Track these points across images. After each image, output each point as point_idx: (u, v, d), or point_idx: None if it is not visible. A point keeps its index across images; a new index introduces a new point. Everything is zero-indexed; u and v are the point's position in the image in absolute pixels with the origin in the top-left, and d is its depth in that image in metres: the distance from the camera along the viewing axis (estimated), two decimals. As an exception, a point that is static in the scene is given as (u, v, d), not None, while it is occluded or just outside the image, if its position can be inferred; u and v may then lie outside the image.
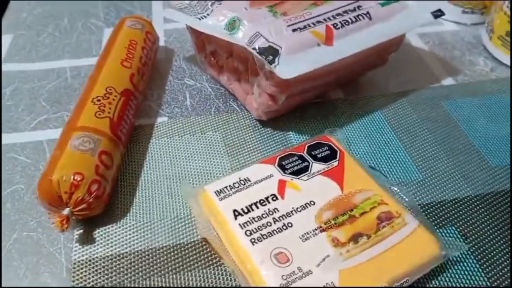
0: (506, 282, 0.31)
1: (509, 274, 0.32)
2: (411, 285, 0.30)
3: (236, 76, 0.43)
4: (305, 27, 0.38)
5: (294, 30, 0.38)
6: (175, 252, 0.33)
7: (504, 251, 0.33)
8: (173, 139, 0.41)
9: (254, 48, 0.37)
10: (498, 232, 0.34)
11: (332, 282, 0.28)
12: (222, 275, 0.31)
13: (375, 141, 0.41)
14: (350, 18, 0.40)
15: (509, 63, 0.50)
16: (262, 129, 0.42)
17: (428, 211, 0.36)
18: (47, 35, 0.54)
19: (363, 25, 0.40)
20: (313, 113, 0.44)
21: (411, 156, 0.40)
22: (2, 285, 0.26)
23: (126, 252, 0.32)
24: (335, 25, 0.39)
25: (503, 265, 0.32)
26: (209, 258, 0.32)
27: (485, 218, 0.35)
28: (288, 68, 0.36)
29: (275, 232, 0.31)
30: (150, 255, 0.32)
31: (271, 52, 0.36)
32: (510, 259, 0.32)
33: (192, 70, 0.50)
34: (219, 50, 0.43)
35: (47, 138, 0.41)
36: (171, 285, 0.31)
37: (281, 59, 0.36)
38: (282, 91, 0.37)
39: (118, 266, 0.32)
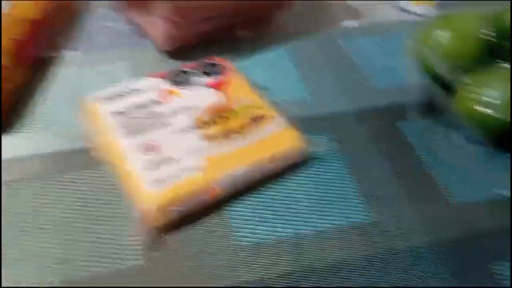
0: (369, 181, 0.34)
1: (377, 176, 0.35)
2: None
3: (142, 9, 0.45)
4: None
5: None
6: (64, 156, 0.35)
7: (369, 154, 0.36)
8: (83, 69, 0.43)
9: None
10: (370, 142, 0.37)
11: (197, 166, 0.31)
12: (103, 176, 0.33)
13: (273, 70, 0.44)
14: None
15: (412, 9, 0.53)
16: (169, 61, 0.45)
17: (309, 122, 0.39)
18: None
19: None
20: (218, 47, 0.46)
21: (303, 81, 0.43)
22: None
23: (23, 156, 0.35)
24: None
25: (367, 167, 0.35)
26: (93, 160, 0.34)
27: (359, 129, 0.38)
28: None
29: (150, 128, 0.33)
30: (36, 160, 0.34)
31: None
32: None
33: (112, 13, 0.52)
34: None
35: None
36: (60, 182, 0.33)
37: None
38: (181, 15, 0.40)
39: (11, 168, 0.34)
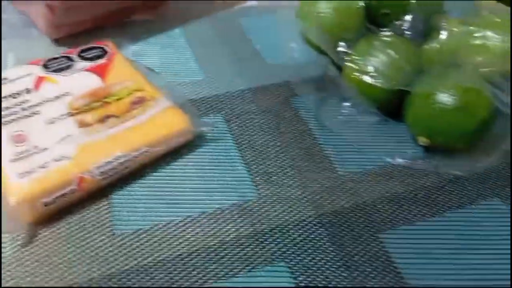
0: (259, 157, 0.34)
1: (266, 152, 0.34)
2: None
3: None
4: None
5: None
6: None
7: (260, 130, 0.36)
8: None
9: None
10: (263, 120, 0.37)
11: (66, 155, 0.29)
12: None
13: (169, 52, 0.43)
14: None
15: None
16: (57, 49, 0.42)
17: (201, 103, 0.37)
18: None
19: None
20: (111, 32, 0.44)
21: (198, 62, 0.42)
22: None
23: None
24: None
25: (258, 144, 0.35)
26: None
27: (252, 106, 0.38)
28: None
29: (19, 118, 0.31)
30: None
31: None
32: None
33: (3, 5, 0.49)
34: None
35: None
36: None
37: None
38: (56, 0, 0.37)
39: None
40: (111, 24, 0.45)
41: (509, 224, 0.30)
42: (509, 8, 0.34)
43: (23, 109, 0.32)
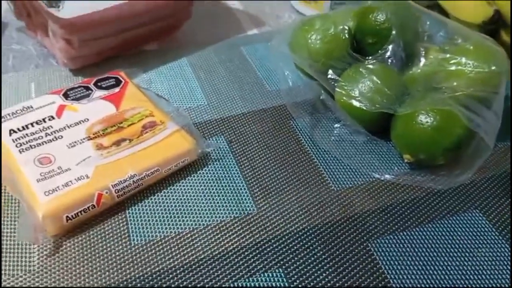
0: (258, 175, 0.37)
1: (265, 169, 0.37)
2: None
3: (45, 31, 0.47)
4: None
5: (84, -17, 0.43)
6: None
7: (259, 150, 0.39)
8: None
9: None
10: (262, 140, 0.40)
11: (86, 175, 0.33)
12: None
13: (176, 80, 0.47)
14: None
15: (307, 13, 0.57)
16: (74, 78, 0.46)
17: (205, 126, 0.41)
18: None
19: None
20: (124, 61, 0.49)
21: (203, 88, 0.46)
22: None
23: None
24: (121, -24, 0.44)
25: (257, 162, 0.38)
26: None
27: (251, 128, 0.41)
28: (71, 10, 0.40)
29: (44, 143, 0.35)
30: None
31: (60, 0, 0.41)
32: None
33: (21, 37, 0.53)
34: (30, 10, 0.47)
35: None
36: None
37: (66, 4, 0.41)
38: (71, 33, 0.42)
39: None
40: (124, 54, 0.49)
41: (486, 233, 0.34)
42: (480, 36, 0.38)
43: (47, 134, 0.35)
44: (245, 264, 0.31)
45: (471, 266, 0.31)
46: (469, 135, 0.34)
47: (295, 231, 0.33)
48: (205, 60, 0.50)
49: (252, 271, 0.31)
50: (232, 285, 0.30)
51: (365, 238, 0.33)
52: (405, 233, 0.33)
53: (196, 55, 0.50)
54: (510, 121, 0.40)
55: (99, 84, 0.40)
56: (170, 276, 0.30)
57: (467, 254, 0.32)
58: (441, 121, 0.34)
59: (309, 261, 0.31)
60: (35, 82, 0.46)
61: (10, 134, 0.35)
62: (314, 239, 0.33)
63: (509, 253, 0.32)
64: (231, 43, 0.53)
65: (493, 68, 0.35)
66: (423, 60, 0.38)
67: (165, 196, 0.35)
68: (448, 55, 0.37)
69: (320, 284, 0.30)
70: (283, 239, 0.33)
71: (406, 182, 0.37)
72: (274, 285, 0.30)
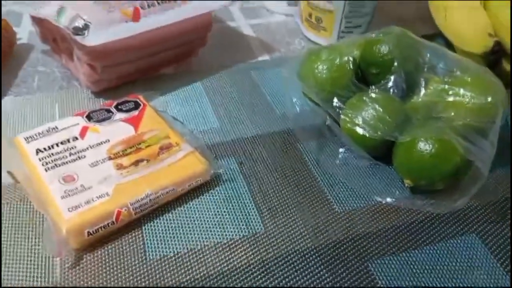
0: (267, 195, 0.39)
1: (272, 190, 0.40)
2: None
3: (70, 55, 0.50)
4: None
5: (109, 12, 0.46)
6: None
7: (267, 172, 0.41)
8: (15, 111, 0.47)
9: (70, 27, 0.44)
10: (270, 162, 0.43)
11: (106, 193, 0.35)
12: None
13: (190, 103, 0.50)
14: (157, 1, 0.48)
15: (316, 40, 0.60)
16: (96, 100, 0.50)
17: (217, 147, 0.44)
18: None
19: (168, 7, 0.48)
20: (142, 85, 0.52)
21: (215, 112, 0.48)
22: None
23: None
24: (142, 6, 0.47)
25: (266, 184, 0.41)
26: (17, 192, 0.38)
27: (261, 151, 0.44)
28: (95, 38, 0.44)
29: (68, 162, 0.37)
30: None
31: (84, 28, 0.44)
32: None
33: (46, 60, 0.57)
34: (56, 35, 0.51)
35: None
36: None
37: (91, 32, 0.44)
38: (95, 59, 0.45)
39: None
40: (142, 77, 0.52)
41: (482, 257, 0.35)
42: (478, 67, 0.40)
43: (71, 154, 0.38)
44: (252, 281, 0.33)
45: (468, 286, 0.33)
46: (466, 163, 0.36)
47: (299, 250, 0.35)
48: (218, 84, 0.53)
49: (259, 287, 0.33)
50: (239, 300, 0.32)
51: (365, 258, 0.35)
52: (404, 255, 0.35)
53: (210, 80, 0.53)
54: (510, 148, 0.42)
55: (119, 107, 0.43)
56: (182, 289, 0.32)
57: (463, 277, 0.34)
58: (439, 149, 0.36)
59: (312, 279, 0.33)
60: (59, 103, 0.49)
61: (37, 153, 0.38)
62: (318, 258, 0.35)
63: (504, 277, 0.34)
64: (243, 68, 0.55)
65: (490, 99, 0.37)
66: (423, 90, 0.41)
67: (179, 214, 0.37)
68: (447, 86, 0.39)
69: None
70: (288, 257, 0.35)
71: (406, 206, 0.39)
72: (279, 300, 0.32)
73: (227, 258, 0.34)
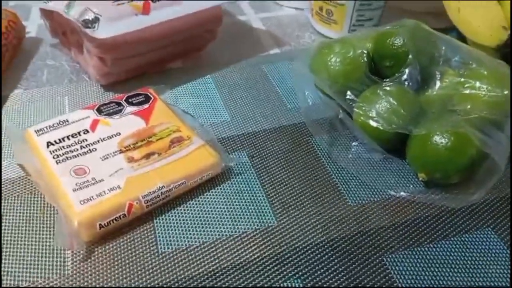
0: (279, 189, 0.39)
1: (285, 184, 0.39)
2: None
3: (79, 48, 0.50)
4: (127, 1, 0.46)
5: (118, 5, 0.46)
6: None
7: (279, 165, 0.41)
8: (25, 105, 0.47)
9: (80, 20, 0.44)
10: (282, 156, 0.42)
11: (118, 186, 0.35)
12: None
13: (200, 97, 0.49)
14: (167, -6, 0.48)
15: (327, 34, 0.59)
16: (105, 93, 0.49)
17: (228, 141, 0.43)
18: None
19: (178, 0, 0.48)
20: (151, 79, 0.51)
21: (226, 105, 0.48)
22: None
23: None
24: (153, -1, 0.47)
25: (277, 177, 0.40)
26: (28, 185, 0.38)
27: (272, 144, 0.43)
28: (105, 31, 0.43)
29: (79, 155, 0.37)
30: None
31: (94, 21, 0.44)
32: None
33: (55, 53, 0.56)
34: (66, 29, 0.50)
35: None
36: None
37: (101, 25, 0.43)
38: (105, 52, 0.45)
39: None
40: (152, 71, 0.52)
41: (498, 251, 0.35)
42: (494, 61, 0.39)
43: (82, 147, 0.38)
44: (265, 274, 0.33)
45: (483, 282, 0.33)
46: (481, 156, 0.36)
47: (313, 243, 0.35)
48: (228, 78, 0.52)
49: (272, 281, 0.32)
50: (252, 294, 0.31)
51: (380, 252, 0.35)
52: (419, 249, 0.35)
53: (220, 73, 0.53)
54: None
55: (130, 100, 0.43)
56: (195, 283, 0.32)
57: (478, 271, 0.33)
58: (455, 142, 0.36)
59: (326, 273, 0.33)
60: (69, 96, 0.49)
61: (48, 146, 0.38)
62: (331, 252, 0.34)
63: (521, 271, 0.33)
64: (253, 62, 0.55)
65: (506, 92, 0.37)
66: (438, 83, 0.40)
67: (190, 207, 0.37)
68: (462, 79, 0.39)
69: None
70: (302, 251, 0.34)
71: (420, 200, 0.38)
72: (292, 294, 0.32)
73: (240, 251, 0.34)
